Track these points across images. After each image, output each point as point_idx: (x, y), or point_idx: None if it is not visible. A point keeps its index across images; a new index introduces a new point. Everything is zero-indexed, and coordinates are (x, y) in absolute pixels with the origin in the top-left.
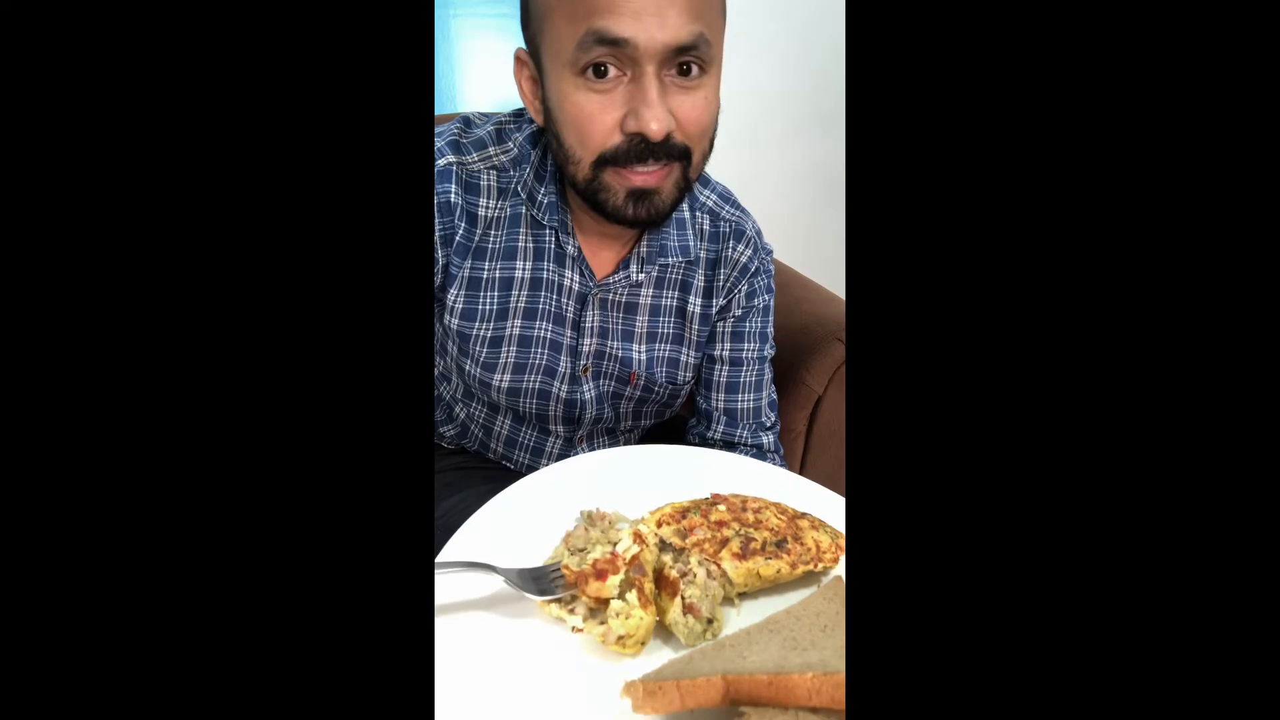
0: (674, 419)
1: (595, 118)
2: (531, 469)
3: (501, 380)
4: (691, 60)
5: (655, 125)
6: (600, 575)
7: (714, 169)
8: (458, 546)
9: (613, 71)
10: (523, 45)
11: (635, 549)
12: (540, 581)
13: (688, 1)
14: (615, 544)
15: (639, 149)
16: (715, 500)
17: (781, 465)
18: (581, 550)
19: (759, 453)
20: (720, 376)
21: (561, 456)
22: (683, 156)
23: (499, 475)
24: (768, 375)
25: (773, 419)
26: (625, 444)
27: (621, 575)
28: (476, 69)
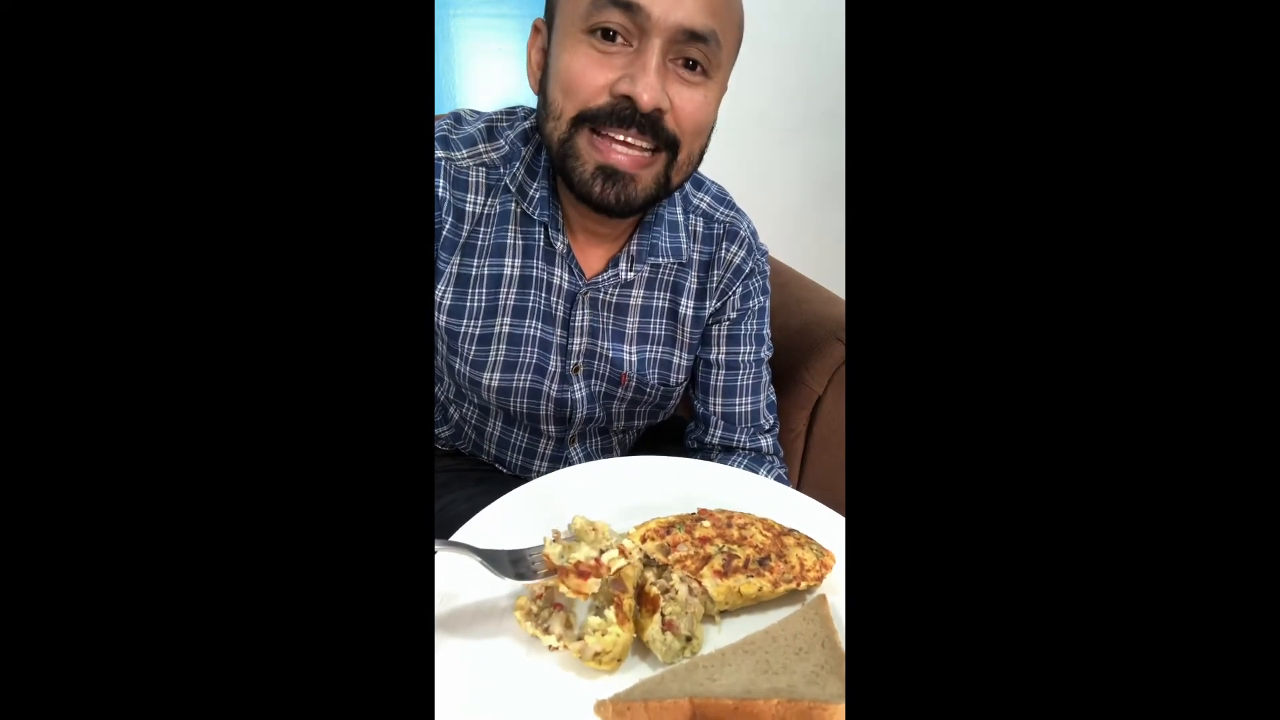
0: (672, 421)
1: (588, 71)
2: (524, 470)
3: (491, 379)
4: (697, 56)
5: (647, 95)
6: (582, 575)
7: (714, 169)
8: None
9: (620, 39)
10: (541, 17)
11: (622, 562)
12: (519, 565)
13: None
14: (602, 551)
15: (624, 112)
16: (701, 516)
17: (781, 467)
18: (568, 541)
19: (757, 456)
20: (717, 380)
21: (554, 458)
22: (669, 146)
23: (490, 478)
24: (765, 377)
25: (771, 421)
26: (619, 445)
27: (603, 580)
28: (476, 69)
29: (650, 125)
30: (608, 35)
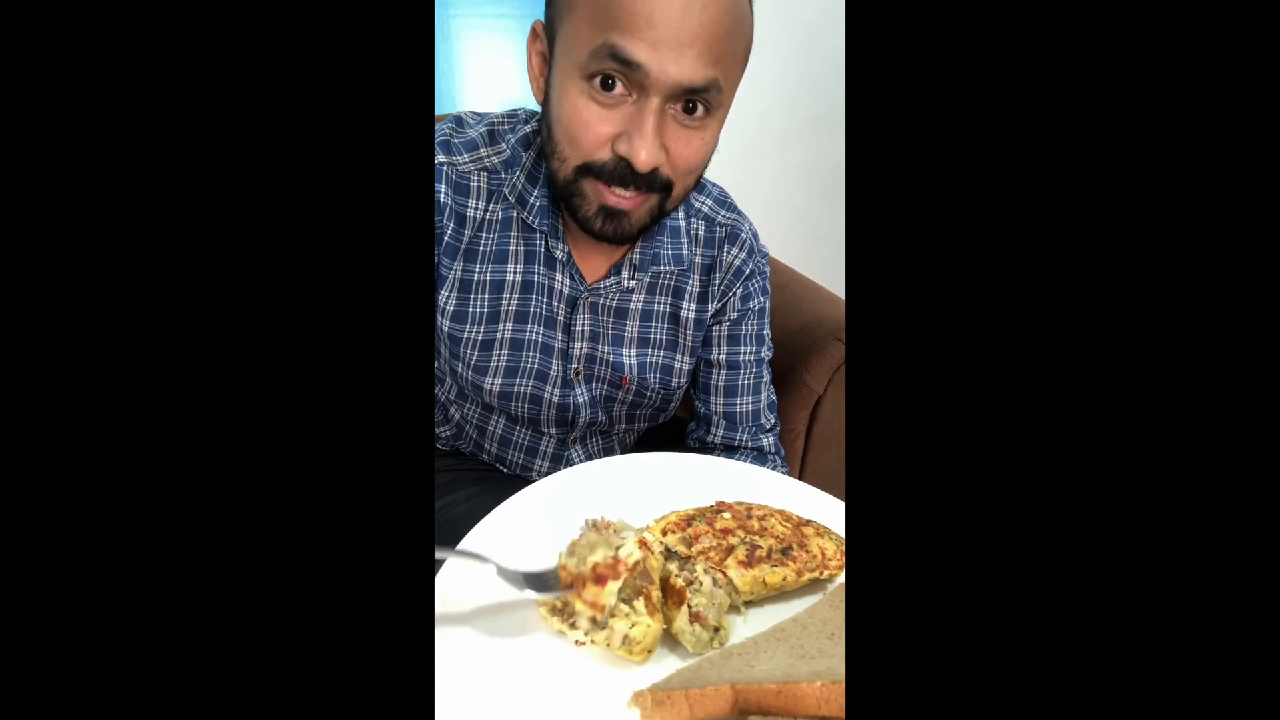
0: (673, 421)
1: (590, 126)
2: (525, 470)
3: (493, 383)
4: (699, 101)
5: (644, 156)
6: (600, 580)
7: (714, 169)
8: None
9: (619, 88)
10: (541, 19)
11: (639, 555)
12: (534, 582)
13: (709, 45)
14: (618, 548)
15: (622, 172)
16: (720, 508)
17: (783, 467)
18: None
19: (759, 455)
20: (718, 380)
21: (556, 457)
22: (663, 189)
23: (490, 478)
24: (766, 377)
25: (772, 421)
26: (620, 446)
27: (622, 581)
28: (476, 69)
29: (645, 181)
30: (607, 85)
